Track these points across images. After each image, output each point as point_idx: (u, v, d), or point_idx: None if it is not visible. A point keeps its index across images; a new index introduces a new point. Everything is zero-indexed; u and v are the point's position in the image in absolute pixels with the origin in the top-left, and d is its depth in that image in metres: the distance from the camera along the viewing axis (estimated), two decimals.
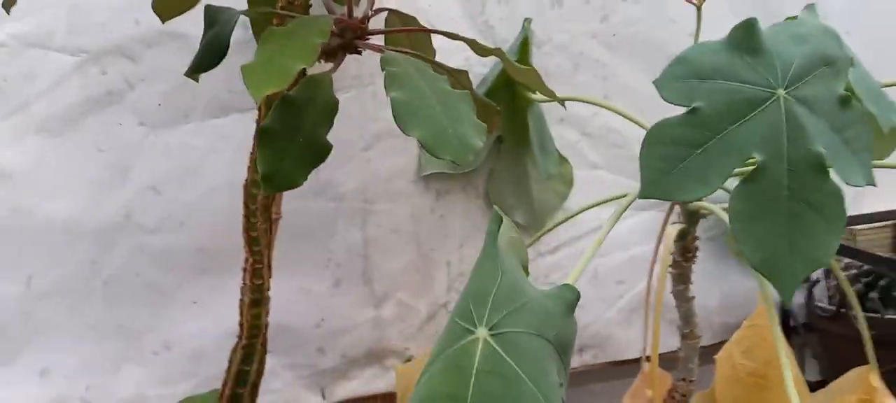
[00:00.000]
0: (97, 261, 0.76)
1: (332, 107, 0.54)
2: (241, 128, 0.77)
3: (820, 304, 0.90)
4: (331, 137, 0.54)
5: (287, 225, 0.71)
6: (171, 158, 0.77)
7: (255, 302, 0.68)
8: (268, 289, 0.68)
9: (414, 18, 0.66)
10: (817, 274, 0.94)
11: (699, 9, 0.66)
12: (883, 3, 1.04)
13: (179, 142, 0.77)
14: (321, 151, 0.52)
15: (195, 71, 0.57)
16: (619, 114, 0.74)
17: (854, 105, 0.51)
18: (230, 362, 0.70)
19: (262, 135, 0.50)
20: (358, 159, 0.83)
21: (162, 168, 0.77)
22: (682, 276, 0.70)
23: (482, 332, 0.37)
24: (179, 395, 0.78)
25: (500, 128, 0.84)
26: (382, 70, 0.49)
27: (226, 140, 0.78)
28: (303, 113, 0.52)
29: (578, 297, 0.42)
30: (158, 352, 0.79)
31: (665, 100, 0.51)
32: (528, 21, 0.85)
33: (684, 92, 0.50)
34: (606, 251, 0.93)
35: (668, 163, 0.49)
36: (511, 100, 0.83)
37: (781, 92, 0.49)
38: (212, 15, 0.57)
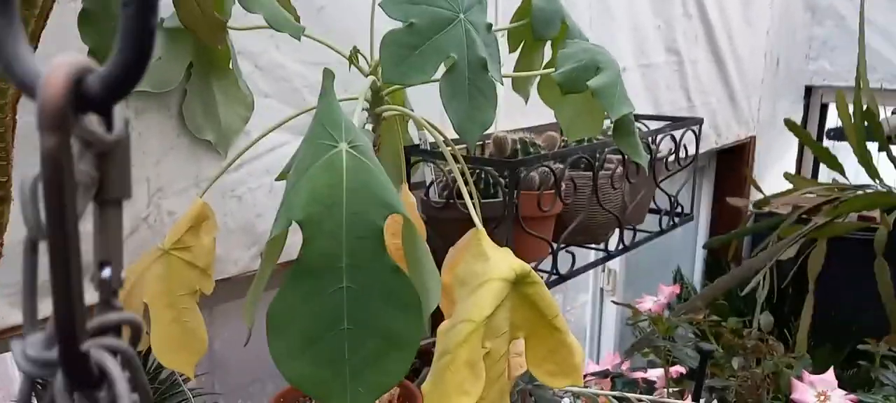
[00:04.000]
0: None
1: None
2: None
3: (433, 200, 1.23)
4: None
5: None
6: None
7: (3, 198, 0.68)
8: (11, 187, 0.69)
9: None
10: (429, 178, 1.26)
11: None
12: None
13: None
14: None
15: None
16: None
17: (491, 30, 0.80)
18: None
19: (83, 17, 0.55)
20: None
21: None
22: None
23: (343, 146, 0.53)
24: None
25: (191, 56, 0.94)
26: None
27: None
28: None
29: None
30: None
31: (390, 16, 0.72)
32: None
33: (403, 11, 0.72)
34: (276, 166, 1.09)
35: (399, 59, 0.70)
36: None
37: (462, 16, 0.74)
38: None
